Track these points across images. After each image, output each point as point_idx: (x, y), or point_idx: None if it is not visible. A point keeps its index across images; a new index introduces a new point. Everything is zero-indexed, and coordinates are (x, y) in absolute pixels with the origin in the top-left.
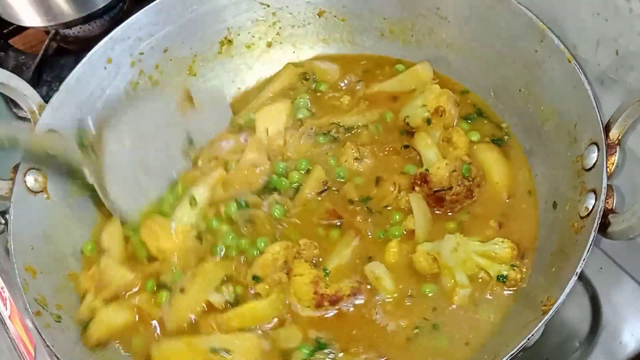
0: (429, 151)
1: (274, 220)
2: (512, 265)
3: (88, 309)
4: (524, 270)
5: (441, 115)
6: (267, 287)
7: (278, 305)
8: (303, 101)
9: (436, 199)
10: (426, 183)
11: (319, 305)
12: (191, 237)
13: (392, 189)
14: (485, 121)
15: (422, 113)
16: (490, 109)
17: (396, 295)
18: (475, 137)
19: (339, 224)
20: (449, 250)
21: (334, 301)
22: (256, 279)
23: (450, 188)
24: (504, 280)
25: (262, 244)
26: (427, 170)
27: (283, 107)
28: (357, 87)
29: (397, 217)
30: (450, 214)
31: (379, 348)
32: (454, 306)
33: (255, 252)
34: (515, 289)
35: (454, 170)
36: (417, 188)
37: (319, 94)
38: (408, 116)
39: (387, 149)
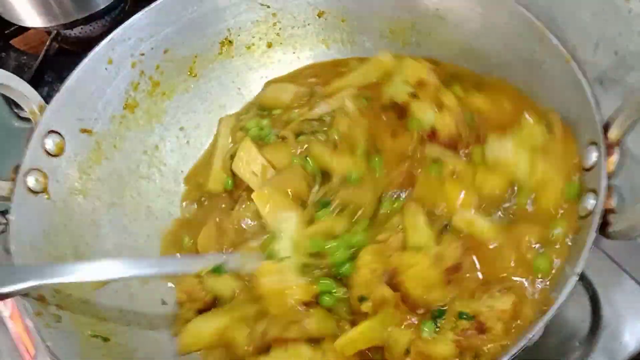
0: (429, 114)
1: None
2: None
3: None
4: None
5: (425, 86)
6: (370, 304)
7: (389, 322)
8: (255, 121)
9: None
10: (434, 137)
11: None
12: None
13: None
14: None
15: (406, 89)
16: (467, 70)
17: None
18: (458, 91)
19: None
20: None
21: None
22: (363, 298)
23: (460, 136)
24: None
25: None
26: (433, 127)
27: (246, 145)
28: (316, 89)
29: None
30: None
31: None
32: None
33: (343, 267)
34: None
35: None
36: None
37: (274, 117)
38: (392, 95)
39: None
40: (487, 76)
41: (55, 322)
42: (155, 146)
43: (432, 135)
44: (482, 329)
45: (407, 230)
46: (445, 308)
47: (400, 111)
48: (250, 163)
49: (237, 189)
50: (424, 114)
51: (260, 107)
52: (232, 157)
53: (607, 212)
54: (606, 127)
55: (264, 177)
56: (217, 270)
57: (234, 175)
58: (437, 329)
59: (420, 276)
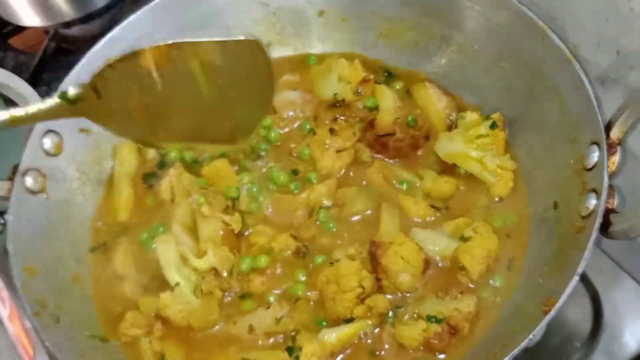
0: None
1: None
2: None
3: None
4: None
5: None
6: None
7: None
8: None
9: (381, 144)
10: (372, 128)
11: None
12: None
13: None
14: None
15: (348, 87)
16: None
17: None
18: (399, 85)
19: None
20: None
21: None
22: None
23: (393, 134)
24: (494, 126)
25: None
26: (375, 116)
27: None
28: None
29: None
30: (396, 161)
31: None
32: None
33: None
34: None
35: (398, 118)
36: (367, 134)
37: None
38: (336, 93)
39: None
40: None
41: (54, 323)
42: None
43: (371, 124)
44: (453, 331)
45: None
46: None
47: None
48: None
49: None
50: (369, 101)
51: None
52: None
53: (608, 212)
54: (608, 127)
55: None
56: None
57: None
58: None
59: None
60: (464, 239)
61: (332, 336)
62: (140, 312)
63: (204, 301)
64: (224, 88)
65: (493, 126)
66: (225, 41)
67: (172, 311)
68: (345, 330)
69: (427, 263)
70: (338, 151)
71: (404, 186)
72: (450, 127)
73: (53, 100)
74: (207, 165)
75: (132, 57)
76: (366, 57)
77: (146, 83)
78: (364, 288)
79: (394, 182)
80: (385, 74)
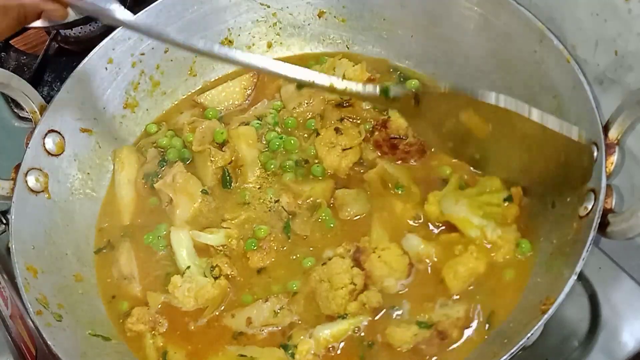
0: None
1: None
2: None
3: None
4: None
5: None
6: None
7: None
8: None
9: (391, 145)
10: (385, 128)
11: None
12: None
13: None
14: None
15: None
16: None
17: None
18: (414, 83)
19: None
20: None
21: None
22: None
23: (405, 137)
24: (510, 199)
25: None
26: (389, 117)
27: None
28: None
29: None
30: (399, 162)
31: None
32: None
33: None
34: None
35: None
36: (376, 132)
37: None
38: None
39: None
40: None
41: (56, 321)
42: None
43: (384, 124)
44: (442, 336)
45: None
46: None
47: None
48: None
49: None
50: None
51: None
52: (151, 174)
53: (606, 212)
54: (606, 127)
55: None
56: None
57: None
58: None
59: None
60: (453, 254)
61: (327, 332)
62: (148, 307)
63: (211, 282)
64: (527, 148)
65: (509, 199)
66: (556, 131)
67: (181, 291)
68: (339, 327)
69: (411, 267)
70: (344, 149)
71: (400, 192)
72: None
73: (377, 90)
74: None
75: (462, 96)
76: (372, 57)
77: (462, 120)
78: (355, 285)
79: (391, 186)
80: (399, 74)
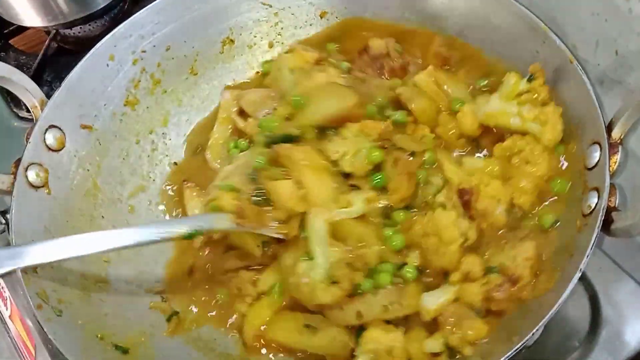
0: None
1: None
2: None
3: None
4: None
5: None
6: None
7: None
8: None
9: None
10: (367, 52)
11: None
12: None
13: None
14: None
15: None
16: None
17: None
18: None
19: None
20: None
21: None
22: None
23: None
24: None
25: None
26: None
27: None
28: None
29: None
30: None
31: None
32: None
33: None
34: None
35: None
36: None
37: None
38: None
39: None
40: None
41: (56, 316)
42: (156, 144)
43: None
44: (513, 280)
45: None
46: None
47: None
48: None
49: None
50: None
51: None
52: None
53: (609, 210)
54: (609, 127)
55: None
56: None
57: None
58: None
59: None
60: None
61: (434, 302)
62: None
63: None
64: None
65: (531, 79)
66: None
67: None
68: (445, 298)
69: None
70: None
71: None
72: None
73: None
74: None
75: None
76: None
77: None
78: (467, 239)
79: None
80: None
